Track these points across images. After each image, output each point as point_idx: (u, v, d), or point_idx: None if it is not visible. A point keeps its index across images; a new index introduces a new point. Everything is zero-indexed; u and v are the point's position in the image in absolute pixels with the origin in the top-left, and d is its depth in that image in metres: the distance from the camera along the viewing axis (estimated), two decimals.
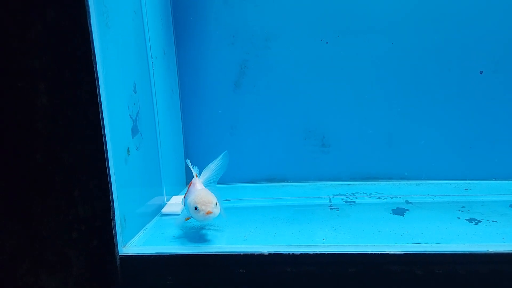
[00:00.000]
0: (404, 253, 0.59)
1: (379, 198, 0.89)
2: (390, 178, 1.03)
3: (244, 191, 1.00)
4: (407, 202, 0.85)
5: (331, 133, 1.03)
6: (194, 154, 1.09)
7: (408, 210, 0.79)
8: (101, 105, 0.60)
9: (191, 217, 0.66)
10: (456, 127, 0.99)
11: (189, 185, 0.70)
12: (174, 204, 0.84)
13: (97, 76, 0.59)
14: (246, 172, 1.06)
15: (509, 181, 0.97)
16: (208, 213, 0.61)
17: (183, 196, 0.72)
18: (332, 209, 0.83)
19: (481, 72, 0.96)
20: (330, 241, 0.65)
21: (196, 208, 0.62)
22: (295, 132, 1.04)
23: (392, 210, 0.80)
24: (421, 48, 0.97)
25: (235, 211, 0.84)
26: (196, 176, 0.71)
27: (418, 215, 0.76)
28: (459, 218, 0.73)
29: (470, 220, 0.71)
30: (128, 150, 0.69)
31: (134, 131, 0.73)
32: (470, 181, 0.98)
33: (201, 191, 0.64)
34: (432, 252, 0.59)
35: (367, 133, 1.02)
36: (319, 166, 1.04)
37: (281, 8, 0.99)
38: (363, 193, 0.94)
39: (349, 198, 0.90)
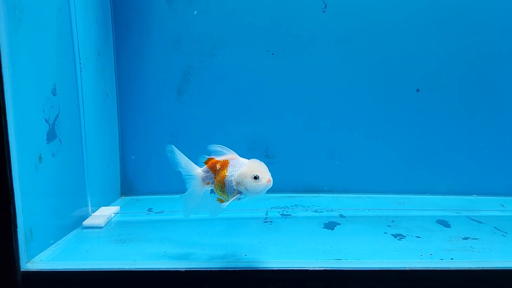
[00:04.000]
0: (323, 270, 0.58)
1: (316, 211, 0.89)
2: (331, 191, 1.03)
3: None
4: (341, 216, 0.85)
5: (275, 145, 1.02)
6: (132, 162, 1.04)
7: (339, 224, 0.79)
8: (4, 106, 0.55)
9: (238, 194, 0.59)
10: (394, 142, 1.00)
11: (221, 163, 0.62)
12: (99, 216, 0.79)
13: (2, 75, 0.54)
14: (184, 182, 1.03)
15: (442, 196, 1.00)
16: (269, 180, 0.56)
17: (215, 178, 0.63)
18: (265, 222, 0.81)
19: (417, 90, 0.99)
20: (252, 257, 0.63)
21: (255, 178, 0.56)
22: (239, 142, 1.02)
23: (324, 224, 0.79)
24: (362, 64, 0.98)
25: (163, 225, 0.80)
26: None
27: (347, 230, 0.75)
28: (386, 233, 0.73)
29: (395, 236, 0.72)
30: (40, 156, 0.64)
31: (51, 136, 0.67)
32: (405, 195, 1.00)
33: (254, 161, 0.58)
34: (350, 269, 0.58)
35: (310, 146, 1.02)
36: None
37: (228, 16, 0.98)
38: (302, 206, 0.93)
39: (286, 211, 0.89)
